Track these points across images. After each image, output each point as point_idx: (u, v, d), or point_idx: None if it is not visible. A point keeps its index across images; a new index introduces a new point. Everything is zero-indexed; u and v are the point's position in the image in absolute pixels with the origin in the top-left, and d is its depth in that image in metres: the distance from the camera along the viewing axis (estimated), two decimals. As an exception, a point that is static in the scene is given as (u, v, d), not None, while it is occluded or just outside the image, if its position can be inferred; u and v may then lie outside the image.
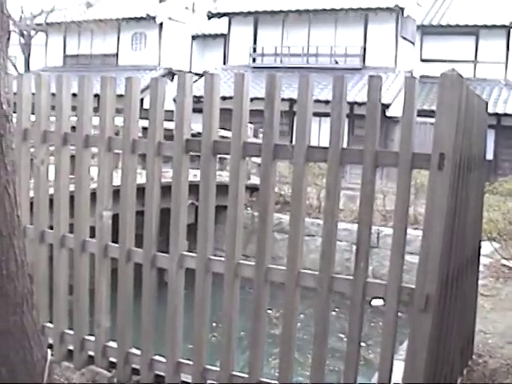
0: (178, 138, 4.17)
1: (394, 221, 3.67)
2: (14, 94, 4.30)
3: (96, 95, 4.52)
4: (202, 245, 4.14)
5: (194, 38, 32.27)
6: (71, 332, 4.82)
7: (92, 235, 4.67)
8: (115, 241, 4.55)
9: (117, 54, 31.97)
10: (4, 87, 3.23)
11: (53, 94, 4.70)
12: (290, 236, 3.89)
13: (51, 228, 4.86)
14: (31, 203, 4.87)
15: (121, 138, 4.44)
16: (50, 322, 4.86)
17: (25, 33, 31.77)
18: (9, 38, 3.25)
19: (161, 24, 30.64)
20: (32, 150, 4.92)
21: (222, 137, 4.23)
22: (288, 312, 3.94)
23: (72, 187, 4.70)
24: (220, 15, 29.32)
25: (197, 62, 32.22)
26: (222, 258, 4.10)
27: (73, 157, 4.73)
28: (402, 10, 25.75)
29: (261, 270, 3.96)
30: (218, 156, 4.16)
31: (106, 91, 4.44)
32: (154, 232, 4.33)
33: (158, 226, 4.34)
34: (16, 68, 31.62)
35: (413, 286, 3.56)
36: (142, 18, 30.45)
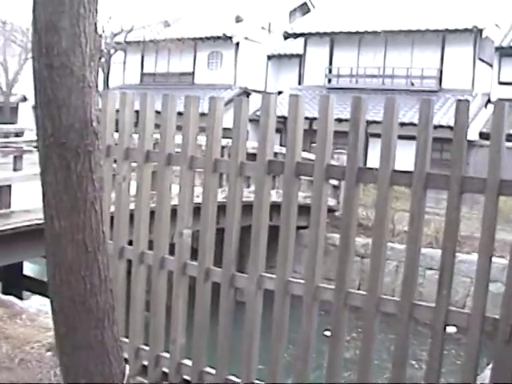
0: (261, 159, 4.16)
1: (480, 249, 3.57)
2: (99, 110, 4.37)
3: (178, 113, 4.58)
4: (282, 267, 4.11)
5: (269, 57, 32.51)
6: (146, 348, 4.85)
7: (170, 252, 4.71)
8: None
9: (193, 73, 32.42)
10: (95, 105, 3.29)
11: (136, 112, 4.77)
12: (372, 260, 3.83)
13: (130, 244, 4.91)
14: (111, 218, 4.94)
15: (203, 157, 4.47)
16: (126, 336, 4.90)
17: (105, 51, 32.50)
18: (100, 58, 3.32)
19: (237, 44, 30.96)
20: (114, 165, 5.00)
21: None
22: (367, 337, 3.87)
23: (152, 204, 4.75)
24: (296, 35, 29.47)
25: (272, 81, 32.41)
26: (302, 281, 4.07)
27: (153, 172, 4.79)
28: (481, 31, 25.40)
29: (341, 293, 3.90)
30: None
31: (190, 110, 4.47)
32: (234, 252, 4.33)
33: (237, 245, 4.34)
34: (95, 85, 32.33)
35: (497, 316, 3.47)
36: (218, 38, 30.85)
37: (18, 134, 18.71)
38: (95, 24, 3.28)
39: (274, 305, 4.14)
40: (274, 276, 4.15)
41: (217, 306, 4.41)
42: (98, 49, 3.32)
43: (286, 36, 29.75)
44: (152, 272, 4.74)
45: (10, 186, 8.88)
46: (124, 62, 34.49)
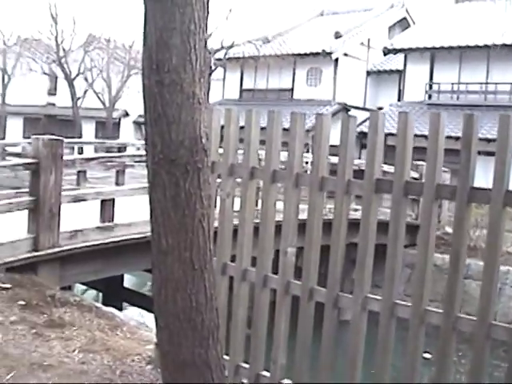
0: (369, 177, 4.07)
1: None
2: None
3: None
4: (388, 288, 3.99)
5: (368, 73, 32.33)
6: (246, 365, 4.81)
7: (273, 270, 4.67)
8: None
9: (292, 89, 32.45)
10: (204, 121, 3.28)
11: (241, 128, 4.75)
12: (484, 285, 3.66)
13: (232, 260, 4.89)
14: (214, 234, 4.94)
15: (309, 175, 4.41)
16: (226, 353, 4.87)
17: (206, 67, 32.90)
18: (210, 74, 3.31)
19: (336, 60, 30.84)
20: (218, 181, 5.01)
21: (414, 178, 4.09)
22: (476, 365, 3.70)
23: (256, 220, 4.72)
24: (396, 51, 29.14)
25: (371, 97, 32.18)
26: (408, 303, 3.95)
27: (258, 189, 4.76)
28: None
29: (449, 318, 3.75)
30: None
31: (296, 127, 4.43)
32: (339, 271, 4.24)
33: (342, 265, 4.25)
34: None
35: None
36: (317, 54, 30.75)
37: (120, 149, 19.16)
38: (205, 40, 3.27)
39: (379, 327, 4.04)
40: (379, 297, 4.05)
41: (319, 325, 4.34)
42: (207, 65, 3.32)
43: (386, 52, 29.45)
44: (254, 289, 4.70)
45: (113, 200, 9.05)
46: (223, 78, 34.83)
